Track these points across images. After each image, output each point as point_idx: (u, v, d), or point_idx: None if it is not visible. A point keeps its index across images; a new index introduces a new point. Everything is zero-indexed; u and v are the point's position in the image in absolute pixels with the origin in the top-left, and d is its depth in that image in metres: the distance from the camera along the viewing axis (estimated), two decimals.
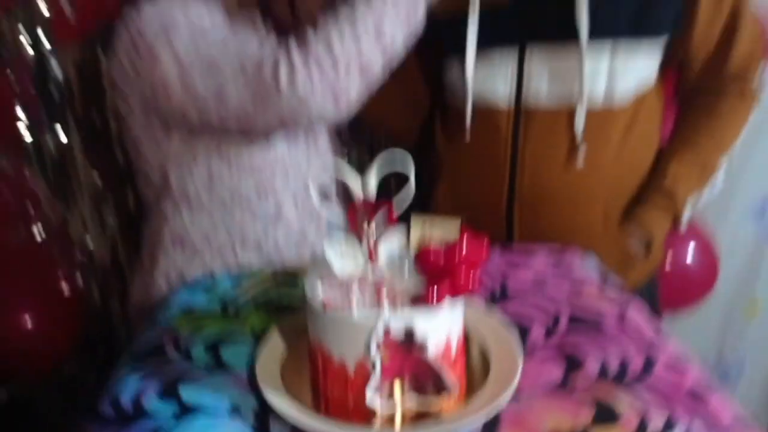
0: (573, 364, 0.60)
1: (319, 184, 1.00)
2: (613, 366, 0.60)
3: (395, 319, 0.50)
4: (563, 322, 0.69)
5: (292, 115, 0.81)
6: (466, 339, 0.59)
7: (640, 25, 0.91)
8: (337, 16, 0.82)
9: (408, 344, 0.51)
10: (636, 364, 0.60)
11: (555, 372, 0.59)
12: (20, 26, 1.22)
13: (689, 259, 1.37)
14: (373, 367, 0.51)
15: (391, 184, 0.70)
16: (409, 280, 0.55)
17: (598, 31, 0.90)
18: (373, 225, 0.56)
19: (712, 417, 0.53)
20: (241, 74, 0.81)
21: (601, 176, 0.97)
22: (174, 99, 0.84)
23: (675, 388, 0.56)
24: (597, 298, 0.74)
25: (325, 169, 1.03)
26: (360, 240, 0.57)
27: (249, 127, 0.85)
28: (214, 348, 0.66)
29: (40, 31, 1.23)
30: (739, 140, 1.01)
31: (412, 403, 0.53)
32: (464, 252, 0.53)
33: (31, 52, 1.24)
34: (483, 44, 0.97)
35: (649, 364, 0.60)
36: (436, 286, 0.51)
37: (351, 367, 0.52)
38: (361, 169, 0.58)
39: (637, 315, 0.69)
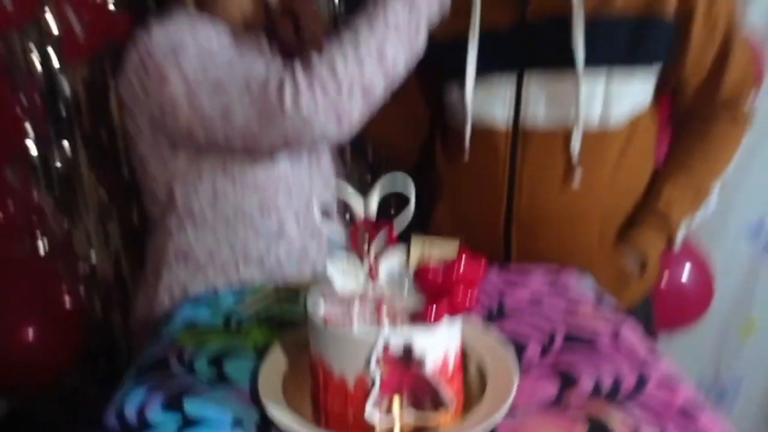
0: (567, 381, 0.62)
1: (321, 202, 1.02)
2: (607, 384, 0.61)
3: (395, 336, 0.51)
4: (558, 340, 0.70)
5: (296, 134, 0.84)
6: (464, 356, 0.60)
7: (634, 53, 0.94)
8: (340, 40, 0.84)
9: (407, 360, 0.52)
10: (629, 382, 0.61)
11: (550, 389, 0.61)
12: (31, 44, 1.25)
13: (685, 279, 1.39)
14: (373, 382, 0.52)
15: (391, 204, 0.72)
16: (408, 298, 0.56)
17: (593, 58, 0.92)
18: (374, 244, 0.58)
19: None
20: (247, 94, 0.83)
21: (597, 197, 0.99)
22: (181, 118, 0.86)
23: (666, 406, 0.57)
24: (592, 317, 0.75)
25: (327, 187, 1.05)
26: (361, 258, 0.58)
27: (254, 145, 0.87)
28: (217, 362, 0.67)
29: (50, 49, 1.26)
30: (732, 164, 1.03)
31: (410, 417, 0.54)
32: (462, 271, 0.54)
33: (40, 69, 1.27)
34: (482, 68, 0.99)
35: (641, 382, 0.61)
36: (434, 304, 0.53)
37: (351, 382, 0.53)
38: (363, 187, 0.60)
39: (631, 334, 0.71)
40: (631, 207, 1.03)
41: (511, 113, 1.00)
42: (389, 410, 0.53)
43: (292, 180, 0.98)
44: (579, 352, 0.67)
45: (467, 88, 1.00)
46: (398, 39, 0.84)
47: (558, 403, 0.59)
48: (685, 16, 0.93)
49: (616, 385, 0.61)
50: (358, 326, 0.53)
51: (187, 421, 0.57)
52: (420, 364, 0.52)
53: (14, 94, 1.26)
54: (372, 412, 0.53)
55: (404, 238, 0.59)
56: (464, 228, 1.03)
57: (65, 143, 1.31)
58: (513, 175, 1.00)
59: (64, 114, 1.30)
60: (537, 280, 0.87)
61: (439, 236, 0.59)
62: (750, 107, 1.02)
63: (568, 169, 0.98)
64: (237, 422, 0.57)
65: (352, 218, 0.60)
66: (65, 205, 1.34)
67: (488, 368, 0.62)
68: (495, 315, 0.78)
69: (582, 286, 0.86)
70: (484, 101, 1.01)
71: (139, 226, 1.35)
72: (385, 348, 0.51)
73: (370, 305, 0.56)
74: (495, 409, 0.55)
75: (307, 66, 0.82)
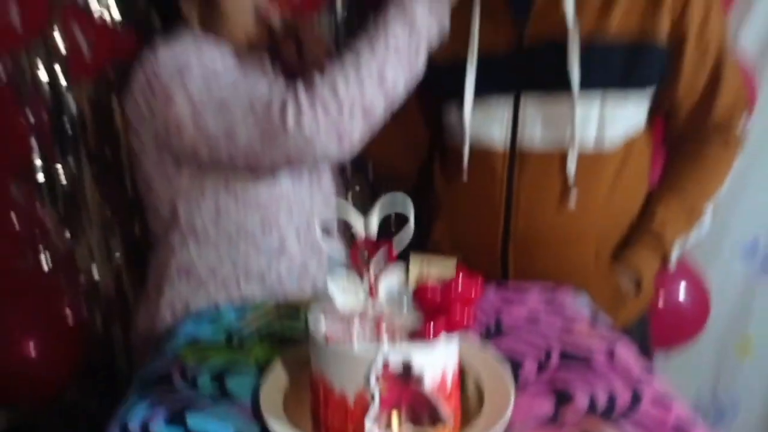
0: (563, 398, 0.62)
1: (321, 220, 1.04)
2: (602, 401, 0.62)
3: (394, 353, 0.52)
4: (555, 357, 0.71)
5: (297, 153, 0.85)
6: (461, 373, 0.61)
7: (628, 77, 0.96)
8: (342, 61, 0.86)
9: (406, 377, 0.53)
10: (623, 399, 0.62)
11: (546, 406, 0.62)
12: (38, 62, 1.27)
13: (680, 298, 1.40)
14: (372, 398, 0.53)
15: (391, 223, 0.74)
16: (407, 315, 0.58)
17: (588, 82, 0.94)
18: (373, 262, 0.59)
19: None
20: (251, 114, 0.85)
21: (593, 217, 1.00)
22: (186, 137, 0.88)
23: (660, 424, 0.58)
24: (587, 335, 0.76)
25: (328, 205, 1.06)
26: (361, 276, 0.60)
27: (256, 164, 0.89)
28: (219, 378, 0.68)
29: (57, 67, 1.28)
30: (724, 186, 1.04)
31: None
32: (460, 290, 0.55)
33: (47, 86, 1.29)
34: (480, 90, 1.01)
35: (636, 400, 0.62)
36: (432, 322, 0.54)
37: (351, 398, 0.54)
38: (362, 206, 0.61)
39: (626, 352, 0.72)
40: (626, 227, 1.04)
41: (509, 135, 1.01)
42: (388, 426, 0.54)
43: (294, 198, 1.00)
44: (574, 369, 0.68)
45: (465, 109, 1.02)
46: (398, 61, 0.86)
47: (554, 420, 0.59)
48: (678, 41, 0.95)
49: (611, 402, 0.61)
50: (358, 343, 0.54)
51: None
52: (419, 380, 0.53)
53: (21, 110, 1.28)
54: (371, 428, 0.53)
55: (403, 256, 0.60)
56: (462, 247, 1.05)
57: (70, 160, 1.33)
58: (510, 196, 1.02)
59: (69, 131, 1.31)
60: (533, 299, 0.88)
61: (437, 255, 0.60)
62: (742, 130, 1.04)
63: (565, 190, 0.99)
64: None
65: (353, 237, 0.61)
66: (68, 221, 1.35)
67: (485, 385, 0.63)
68: (492, 332, 0.79)
69: (578, 304, 0.87)
70: (482, 123, 1.03)
71: (141, 242, 1.36)
72: (385, 365, 0.52)
73: (369, 323, 0.57)
74: (492, 425, 0.56)
75: (310, 86, 0.84)
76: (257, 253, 0.98)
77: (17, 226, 1.30)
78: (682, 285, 1.39)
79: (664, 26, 0.94)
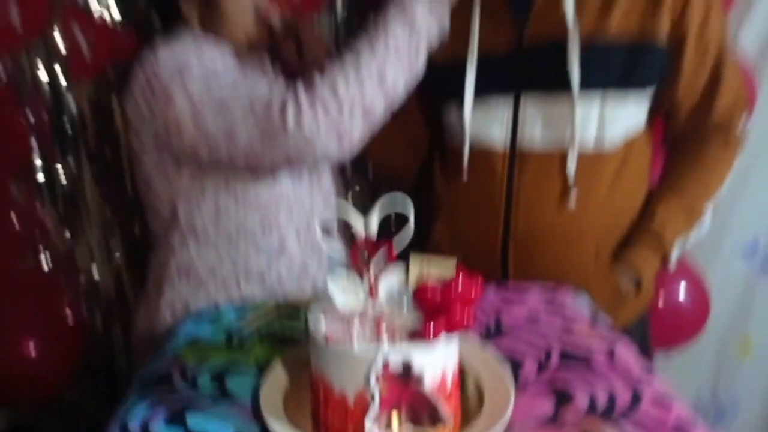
0: (563, 398, 0.62)
1: (321, 220, 1.04)
2: (602, 401, 0.62)
3: (394, 353, 0.52)
4: (554, 357, 0.71)
5: (297, 153, 0.85)
6: (461, 373, 0.61)
7: (628, 77, 0.96)
8: (342, 61, 0.86)
9: (405, 377, 0.53)
10: (623, 399, 0.62)
11: (546, 406, 0.62)
12: (38, 61, 1.27)
13: (680, 298, 1.40)
14: (372, 398, 0.53)
15: (391, 223, 0.74)
16: (407, 315, 0.58)
17: (588, 82, 0.94)
18: (373, 262, 0.59)
19: None
20: (251, 114, 0.85)
21: (593, 217, 1.00)
22: (186, 137, 0.88)
23: (660, 424, 0.58)
24: (587, 335, 0.76)
25: (328, 205, 1.07)
26: (361, 276, 0.60)
27: (256, 164, 0.89)
28: (219, 378, 0.68)
29: (57, 67, 1.28)
30: (724, 186, 1.05)
31: None
32: (460, 290, 0.56)
33: (47, 86, 1.29)
34: (480, 91, 1.01)
35: (636, 400, 0.62)
36: (432, 322, 0.54)
37: (351, 398, 0.54)
38: (363, 206, 0.61)
39: (626, 352, 0.72)
40: (626, 227, 1.04)
41: (509, 134, 1.02)
42: (388, 426, 0.54)
43: (294, 198, 1.00)
44: (574, 369, 0.68)
45: (465, 109, 1.02)
46: (398, 61, 0.86)
47: (554, 420, 0.60)
48: (678, 41, 0.95)
49: (611, 402, 0.61)
50: (358, 343, 0.54)
51: None
52: (419, 380, 0.53)
53: (21, 110, 1.28)
54: (371, 428, 0.53)
55: (403, 256, 0.60)
56: (462, 247, 1.05)
57: (70, 160, 1.33)
58: (510, 196, 1.02)
59: (69, 131, 1.32)
60: (534, 299, 0.88)
61: (437, 255, 0.60)
62: (742, 130, 1.04)
63: (565, 190, 0.99)
64: None
65: (353, 237, 0.61)
66: (68, 221, 1.35)
67: (485, 385, 0.63)
68: (492, 332, 0.79)
69: (578, 304, 0.87)
70: (482, 123, 1.03)
71: (141, 242, 1.36)
72: (385, 365, 0.52)
73: (369, 323, 0.57)
74: (492, 425, 0.56)
75: (309, 86, 0.84)
76: (257, 253, 0.98)
77: (17, 226, 1.30)
78: (682, 285, 1.39)
79: (664, 26, 0.94)
